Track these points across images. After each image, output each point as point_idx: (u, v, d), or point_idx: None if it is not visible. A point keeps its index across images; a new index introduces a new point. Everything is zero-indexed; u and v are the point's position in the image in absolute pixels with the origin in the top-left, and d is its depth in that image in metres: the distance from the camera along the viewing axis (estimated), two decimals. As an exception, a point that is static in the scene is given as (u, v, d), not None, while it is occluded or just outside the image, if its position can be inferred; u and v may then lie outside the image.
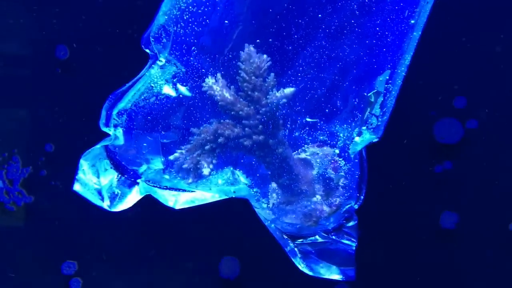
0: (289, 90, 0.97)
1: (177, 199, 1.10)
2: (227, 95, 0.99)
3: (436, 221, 1.39)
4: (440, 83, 1.37)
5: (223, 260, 1.44)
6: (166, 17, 1.04)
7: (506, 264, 1.37)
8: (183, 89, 1.05)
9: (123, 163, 1.06)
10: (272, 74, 0.98)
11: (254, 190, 1.07)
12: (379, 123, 1.06)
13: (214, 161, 1.01)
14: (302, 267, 1.09)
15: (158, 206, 1.14)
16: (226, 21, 1.02)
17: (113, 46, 1.48)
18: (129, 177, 1.08)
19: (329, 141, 1.08)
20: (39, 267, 1.51)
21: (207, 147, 1.00)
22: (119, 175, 1.07)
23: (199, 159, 1.01)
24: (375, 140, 1.07)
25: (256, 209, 1.10)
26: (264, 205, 1.07)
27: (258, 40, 1.01)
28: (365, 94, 1.05)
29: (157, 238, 1.49)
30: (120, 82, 1.47)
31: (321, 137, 1.07)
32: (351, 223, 1.08)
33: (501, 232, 1.37)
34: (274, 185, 1.06)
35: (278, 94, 0.97)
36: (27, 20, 1.50)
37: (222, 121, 1.01)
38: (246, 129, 1.00)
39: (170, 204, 1.10)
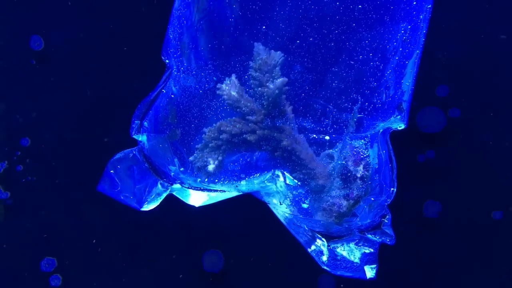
0: (280, 80, 0.97)
1: (201, 198, 1.13)
2: (233, 93, 1.00)
3: (420, 210, 1.39)
4: (421, 71, 1.36)
5: (206, 253, 1.43)
6: (180, 30, 1.08)
7: (489, 253, 1.38)
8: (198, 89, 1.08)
9: (161, 167, 1.11)
10: (277, 68, 0.99)
11: (298, 191, 1.08)
12: (405, 109, 1.09)
13: (220, 158, 1.02)
14: (325, 267, 1.10)
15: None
16: (264, 27, 1.03)
17: (90, 37, 1.45)
18: (167, 180, 1.11)
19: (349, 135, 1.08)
20: (17, 264, 1.49)
21: (211, 144, 1.02)
22: (158, 178, 1.11)
23: (206, 156, 1.02)
24: (402, 127, 1.09)
25: (278, 212, 1.10)
26: (305, 205, 1.08)
27: (290, 45, 1.03)
28: (402, 81, 1.07)
29: (138, 233, 1.47)
30: (97, 74, 1.44)
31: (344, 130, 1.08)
32: (385, 220, 1.08)
33: (484, 221, 1.38)
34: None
35: (271, 85, 0.97)
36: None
37: (228, 119, 1.03)
38: (250, 124, 1.01)
39: (192, 202, 1.13)
